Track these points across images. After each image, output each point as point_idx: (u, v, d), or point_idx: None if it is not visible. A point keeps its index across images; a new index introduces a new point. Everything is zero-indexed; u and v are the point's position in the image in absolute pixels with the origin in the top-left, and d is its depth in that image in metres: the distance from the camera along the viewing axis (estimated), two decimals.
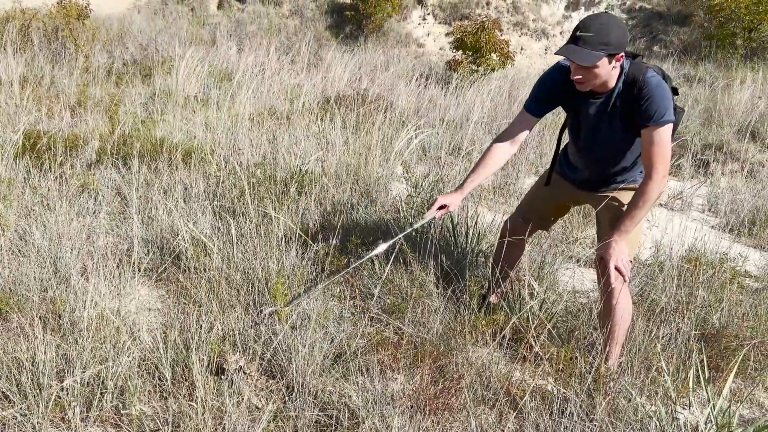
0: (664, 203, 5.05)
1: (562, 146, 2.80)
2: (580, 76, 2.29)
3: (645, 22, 14.57)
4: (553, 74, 2.51)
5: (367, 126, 4.62)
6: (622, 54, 2.27)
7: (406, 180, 4.35)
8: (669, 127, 2.28)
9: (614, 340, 2.47)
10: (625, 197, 2.53)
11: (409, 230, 2.59)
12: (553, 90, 2.51)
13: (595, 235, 2.84)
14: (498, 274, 2.85)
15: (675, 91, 2.53)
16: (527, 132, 2.61)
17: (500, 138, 2.61)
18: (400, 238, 2.66)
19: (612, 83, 2.35)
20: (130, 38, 9.02)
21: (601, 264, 2.40)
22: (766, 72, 9.32)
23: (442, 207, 2.55)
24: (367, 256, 2.63)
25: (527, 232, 2.81)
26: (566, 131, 2.70)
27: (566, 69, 2.43)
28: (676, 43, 13.37)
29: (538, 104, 2.56)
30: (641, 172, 2.53)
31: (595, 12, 2.40)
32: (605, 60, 2.23)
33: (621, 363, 2.47)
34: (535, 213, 2.83)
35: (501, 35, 10.14)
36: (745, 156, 6.13)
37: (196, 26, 11.46)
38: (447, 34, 13.10)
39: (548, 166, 2.88)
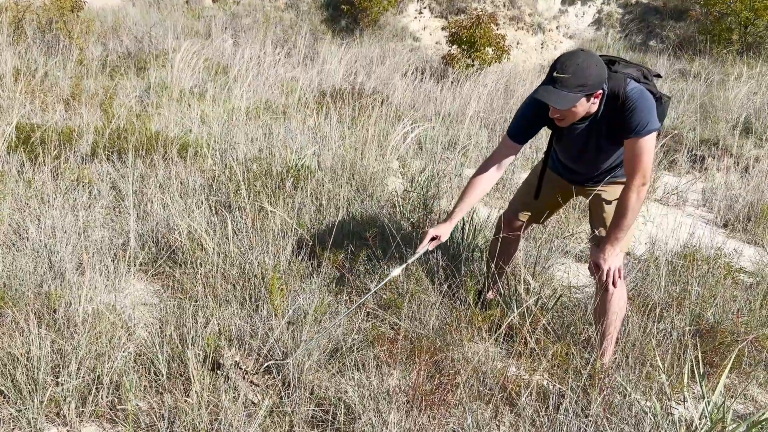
0: (659, 198, 5.07)
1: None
2: (558, 116, 2.32)
3: (641, 16, 14.56)
4: (532, 105, 2.50)
5: (363, 120, 4.61)
6: (600, 91, 2.26)
7: (402, 175, 4.34)
8: (652, 136, 2.29)
9: (609, 337, 2.50)
10: (618, 190, 2.53)
11: (404, 265, 2.57)
12: (536, 116, 2.51)
13: (590, 229, 2.85)
14: (494, 270, 2.87)
15: (658, 76, 2.55)
16: (512, 158, 2.61)
17: (485, 165, 2.60)
18: (400, 271, 2.62)
19: (593, 110, 2.36)
20: (125, 31, 8.96)
21: (595, 269, 2.43)
22: (762, 67, 9.34)
23: (433, 238, 2.54)
24: (378, 286, 2.61)
25: (522, 227, 2.83)
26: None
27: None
28: (672, 37, 13.37)
29: (521, 131, 2.55)
30: None
31: (573, 50, 2.38)
32: (583, 100, 2.24)
33: (616, 359, 2.49)
34: (529, 208, 2.84)
35: (497, 29, 10.12)
36: (741, 151, 6.14)
37: (191, 19, 11.39)
38: (443, 28, 13.05)
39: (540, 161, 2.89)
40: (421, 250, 2.54)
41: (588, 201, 2.71)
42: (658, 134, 2.62)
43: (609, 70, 2.32)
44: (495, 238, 2.89)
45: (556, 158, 2.76)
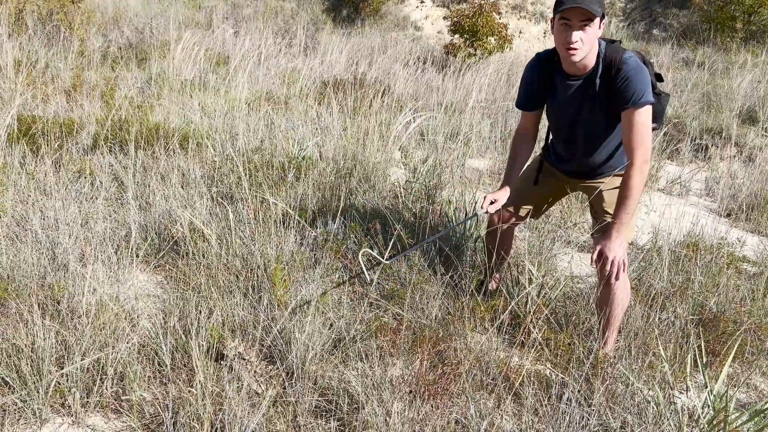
0: (662, 188, 5.05)
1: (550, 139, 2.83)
2: (579, 39, 2.27)
3: (644, 5, 14.46)
4: (531, 67, 2.58)
5: (364, 110, 4.59)
6: (604, 21, 2.32)
7: (404, 165, 4.33)
8: (648, 109, 2.29)
9: (612, 326, 2.50)
10: (616, 183, 2.55)
11: (470, 217, 2.86)
12: (534, 81, 2.57)
13: (591, 222, 2.84)
14: (495, 259, 2.86)
15: (659, 78, 2.56)
16: (535, 124, 2.71)
17: (516, 136, 2.74)
18: (464, 221, 3.07)
19: (591, 61, 2.38)
20: (126, 22, 8.94)
21: (599, 258, 2.41)
22: (767, 56, 9.28)
23: (492, 202, 2.63)
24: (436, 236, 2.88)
25: (514, 222, 2.82)
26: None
27: (543, 59, 2.52)
28: (676, 26, 13.28)
29: (528, 100, 2.64)
30: None
31: None
32: (598, 20, 2.27)
33: (618, 348, 2.49)
34: (524, 202, 2.82)
35: (499, 18, 10.05)
36: (744, 140, 6.12)
37: (192, 9, 11.34)
38: (445, 18, 12.98)
39: (538, 154, 2.91)
40: (484, 210, 2.63)
41: (589, 196, 2.71)
42: (658, 128, 2.63)
43: (610, 43, 2.39)
44: (488, 232, 2.87)
45: (552, 150, 2.77)
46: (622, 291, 2.45)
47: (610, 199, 2.55)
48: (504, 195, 2.65)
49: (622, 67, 2.30)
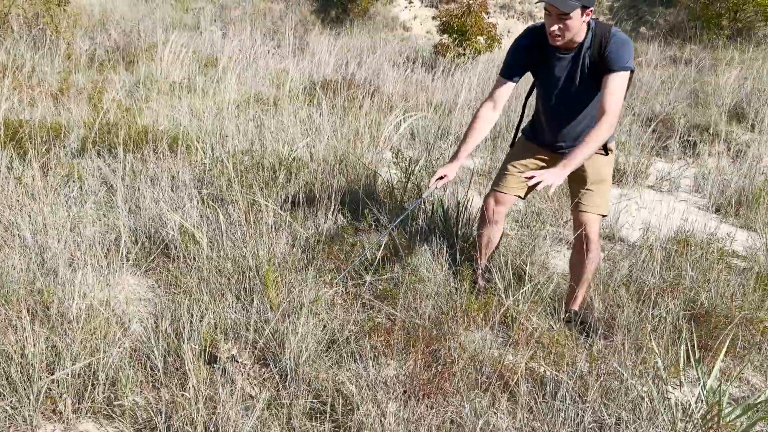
0: (651, 185, 5.08)
1: (529, 114, 2.95)
2: (556, 28, 2.45)
3: (631, 3, 14.54)
4: (522, 39, 2.70)
5: (354, 110, 4.58)
6: (592, 9, 2.46)
7: (395, 164, 4.33)
8: (626, 74, 2.47)
9: (583, 287, 2.75)
10: (595, 160, 2.71)
11: (418, 201, 2.97)
12: (523, 54, 2.68)
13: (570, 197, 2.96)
14: (485, 259, 2.89)
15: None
16: (507, 96, 2.76)
17: (483, 106, 2.76)
18: (411, 209, 3.15)
19: (580, 38, 2.53)
20: (113, 24, 8.86)
21: (578, 221, 2.68)
22: (754, 53, 9.35)
23: (441, 177, 2.68)
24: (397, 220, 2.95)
25: (507, 203, 2.91)
26: (532, 97, 2.89)
27: (534, 32, 2.65)
28: (662, 24, 13.36)
29: (511, 69, 2.71)
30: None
31: None
32: (578, 11, 2.41)
33: (612, 344, 2.49)
34: (511, 182, 2.89)
35: (488, 18, 10.07)
36: (732, 137, 6.16)
37: (179, 11, 11.29)
38: (434, 18, 12.99)
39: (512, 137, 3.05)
40: (431, 188, 2.69)
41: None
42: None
43: (597, 20, 2.57)
44: (482, 227, 2.92)
45: (532, 126, 2.89)
46: (597, 259, 2.71)
47: (592, 172, 2.71)
48: (453, 168, 2.69)
49: (611, 38, 2.47)
